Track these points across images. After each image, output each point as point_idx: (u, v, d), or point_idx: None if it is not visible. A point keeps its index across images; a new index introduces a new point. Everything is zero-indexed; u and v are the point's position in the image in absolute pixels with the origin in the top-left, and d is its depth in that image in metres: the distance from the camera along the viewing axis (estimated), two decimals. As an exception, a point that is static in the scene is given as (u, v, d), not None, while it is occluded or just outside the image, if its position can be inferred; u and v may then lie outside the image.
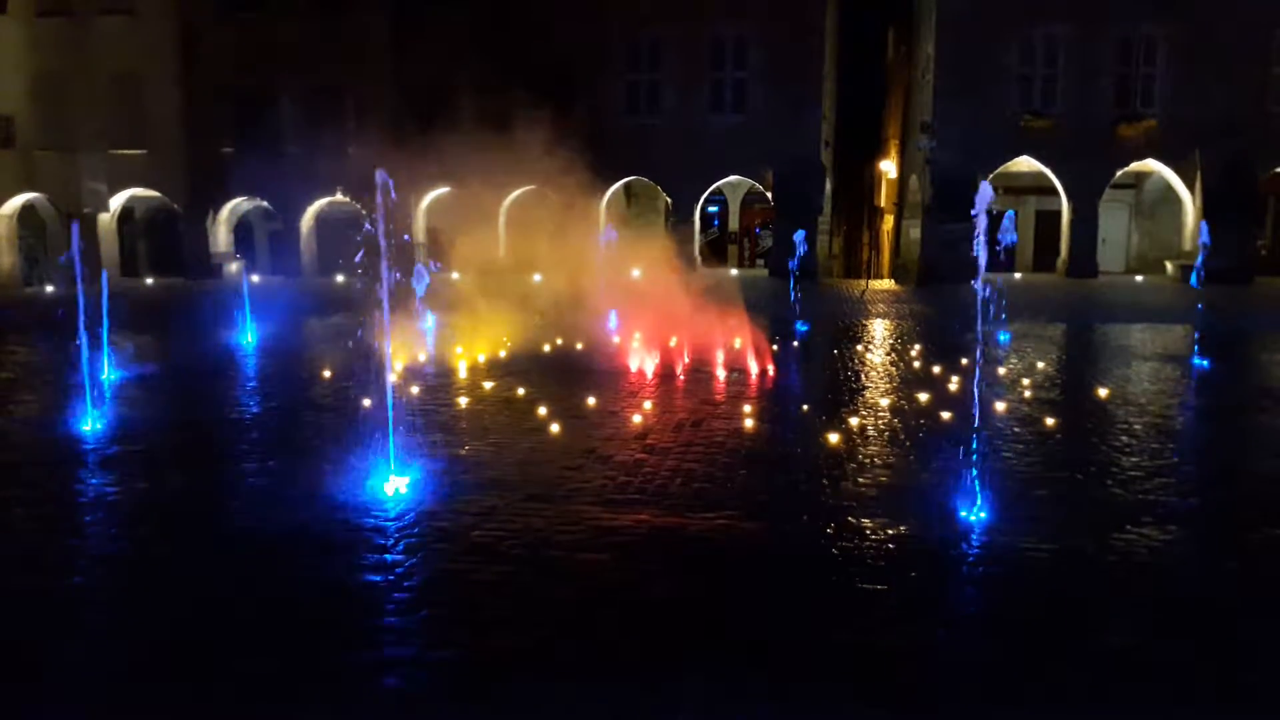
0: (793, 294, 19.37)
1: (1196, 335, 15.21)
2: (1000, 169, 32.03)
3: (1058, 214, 33.10)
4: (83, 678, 5.10)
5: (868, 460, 9.32)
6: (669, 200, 34.90)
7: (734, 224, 41.49)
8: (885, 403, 12.16)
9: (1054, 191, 32.28)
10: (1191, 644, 5.40)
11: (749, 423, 10.97)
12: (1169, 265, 32.21)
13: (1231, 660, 5.21)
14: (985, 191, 7.40)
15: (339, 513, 7.64)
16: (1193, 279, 15.48)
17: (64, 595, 6.22)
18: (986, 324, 7.41)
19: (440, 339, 16.08)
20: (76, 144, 34.55)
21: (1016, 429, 10.67)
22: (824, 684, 4.92)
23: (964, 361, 14.41)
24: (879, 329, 20.62)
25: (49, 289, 31.98)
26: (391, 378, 8.27)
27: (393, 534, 7.13)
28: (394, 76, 32.83)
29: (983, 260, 7.24)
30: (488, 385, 13.19)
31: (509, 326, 17.26)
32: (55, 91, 34.62)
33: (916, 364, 15.21)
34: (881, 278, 39.76)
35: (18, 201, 35.06)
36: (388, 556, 6.70)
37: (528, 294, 21.16)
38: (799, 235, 21.19)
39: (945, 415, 11.11)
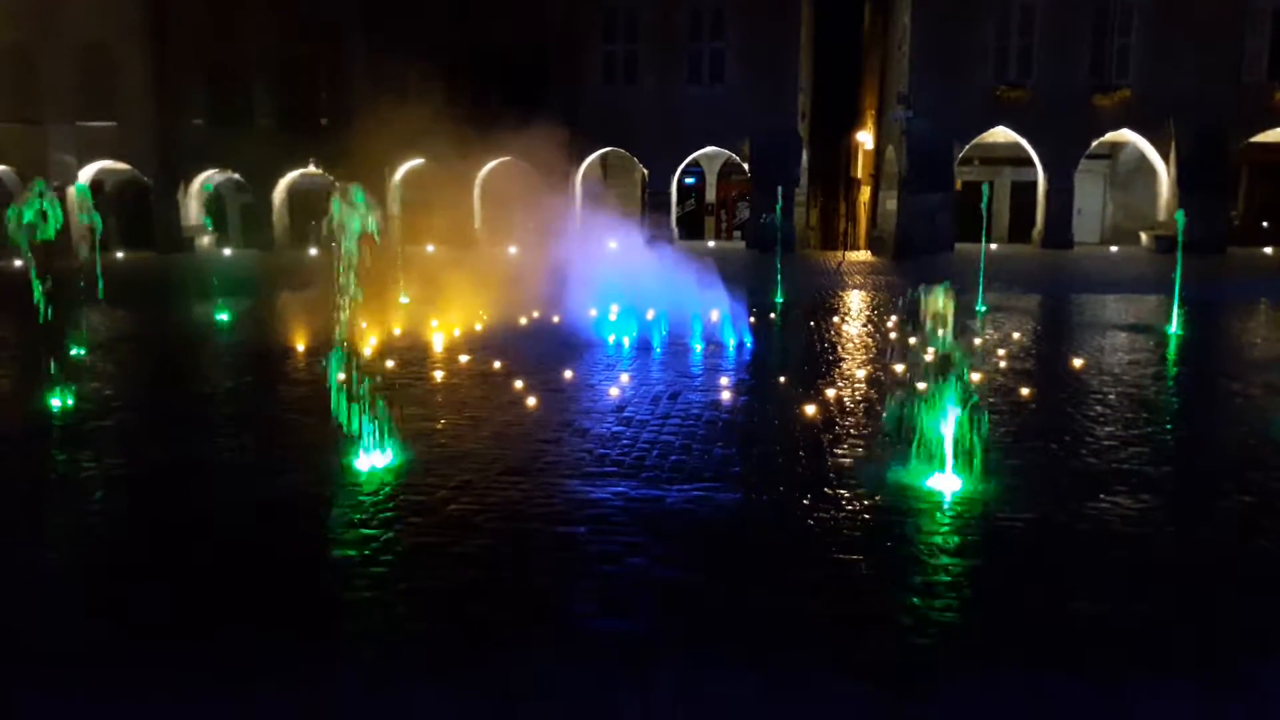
0: (773, 262, 19.36)
1: (1171, 305, 15.31)
2: (976, 140, 32.11)
3: (1033, 185, 33.26)
4: (58, 653, 5.05)
5: (844, 431, 9.34)
6: (645, 172, 34.77)
7: (711, 196, 41.39)
8: (862, 374, 12.19)
9: (1030, 162, 32.40)
10: (1164, 610, 5.45)
11: (726, 395, 10.97)
12: (1144, 236, 32.41)
13: (1204, 626, 5.26)
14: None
15: (314, 486, 7.60)
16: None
17: (36, 570, 6.16)
18: (963, 295, 7.41)
19: (416, 313, 15.99)
20: (44, 116, 34.06)
21: (992, 399, 10.71)
22: (801, 654, 4.93)
23: (940, 333, 14.43)
24: (856, 300, 20.66)
25: (17, 263, 31.56)
26: (366, 351, 8.21)
27: (368, 508, 7.10)
28: (366, 47, 32.48)
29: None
30: (464, 359, 13.13)
31: (484, 300, 17.18)
32: (22, 62, 34.06)
33: (893, 335, 15.25)
34: (858, 249, 39.83)
35: (-16, 174, 34.59)
36: (364, 530, 6.66)
37: (501, 267, 21.06)
38: (778, 207, 21.14)
39: (921, 386, 11.12)
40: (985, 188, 19.14)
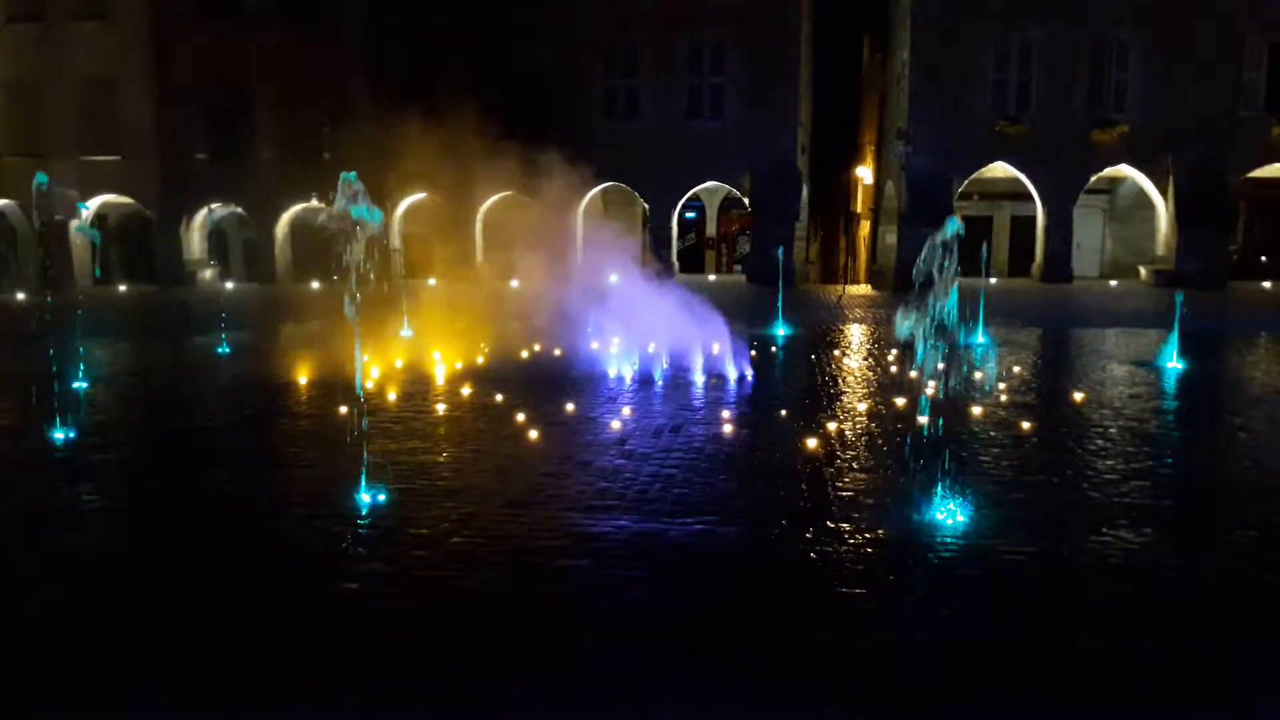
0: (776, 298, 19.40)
1: (1171, 340, 15.32)
2: (975, 175, 32.27)
3: (1033, 219, 33.37)
4: (58, 690, 5.03)
5: (846, 465, 9.34)
6: (646, 206, 34.93)
7: (711, 230, 41.56)
8: (863, 407, 12.20)
9: (1029, 197, 32.55)
10: (1167, 645, 5.43)
11: (728, 428, 10.97)
12: (1143, 270, 32.49)
13: (1206, 660, 5.24)
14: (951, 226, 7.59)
15: (316, 520, 7.59)
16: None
17: (37, 605, 6.14)
18: (964, 329, 7.44)
19: (418, 346, 16.02)
20: (47, 150, 34.24)
21: (993, 433, 10.73)
22: (804, 688, 4.91)
23: (940, 366, 14.45)
24: (856, 334, 20.70)
25: (20, 296, 31.66)
26: (368, 385, 8.22)
27: (370, 541, 7.08)
28: (369, 81, 32.71)
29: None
30: (465, 392, 13.14)
31: (486, 334, 17.20)
32: (26, 97, 34.31)
33: (894, 369, 15.27)
34: (858, 283, 39.92)
35: (-11, 209, 34.73)
36: (366, 564, 6.64)
37: (503, 301, 21.10)
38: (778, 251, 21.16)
39: (922, 420, 11.13)
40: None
